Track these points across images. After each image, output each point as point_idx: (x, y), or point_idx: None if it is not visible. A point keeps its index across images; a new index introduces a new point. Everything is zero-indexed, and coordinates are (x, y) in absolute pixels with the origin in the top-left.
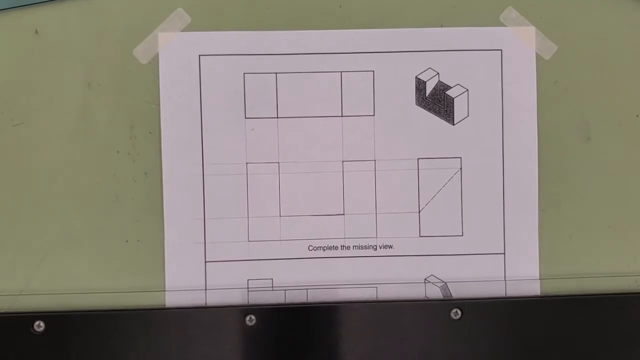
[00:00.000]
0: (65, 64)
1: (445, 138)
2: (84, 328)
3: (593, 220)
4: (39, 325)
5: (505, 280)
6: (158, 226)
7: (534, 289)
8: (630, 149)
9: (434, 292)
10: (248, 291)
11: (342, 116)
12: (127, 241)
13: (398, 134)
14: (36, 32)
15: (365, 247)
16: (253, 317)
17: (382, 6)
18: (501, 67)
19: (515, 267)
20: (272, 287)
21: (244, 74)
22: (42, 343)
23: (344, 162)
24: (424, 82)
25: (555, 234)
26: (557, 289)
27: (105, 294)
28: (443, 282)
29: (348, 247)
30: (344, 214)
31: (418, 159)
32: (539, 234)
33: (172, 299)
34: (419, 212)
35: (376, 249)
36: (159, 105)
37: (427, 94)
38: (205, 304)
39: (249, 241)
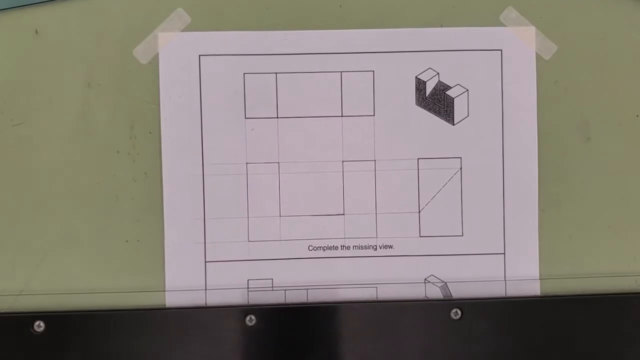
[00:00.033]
0: (65, 64)
1: (445, 138)
2: (84, 328)
3: (593, 220)
4: (39, 325)
5: (505, 280)
6: (158, 226)
7: (534, 289)
8: (630, 149)
9: (434, 292)
10: (248, 291)
11: (342, 116)
12: (127, 241)
13: (398, 134)
14: (36, 32)
15: (365, 247)
16: (253, 317)
17: (382, 6)
18: (501, 67)
19: (515, 267)
20: (272, 287)
21: (244, 74)
22: (42, 343)
23: (344, 162)
24: (424, 82)
25: (555, 234)
26: (557, 289)
27: (105, 294)
28: (443, 282)
29: (348, 247)
30: (344, 214)
31: (418, 159)
32: (539, 234)
33: (172, 299)
34: (419, 212)
35: (376, 249)
36: (159, 105)
37: (427, 94)
38: (205, 304)
39: (249, 241)
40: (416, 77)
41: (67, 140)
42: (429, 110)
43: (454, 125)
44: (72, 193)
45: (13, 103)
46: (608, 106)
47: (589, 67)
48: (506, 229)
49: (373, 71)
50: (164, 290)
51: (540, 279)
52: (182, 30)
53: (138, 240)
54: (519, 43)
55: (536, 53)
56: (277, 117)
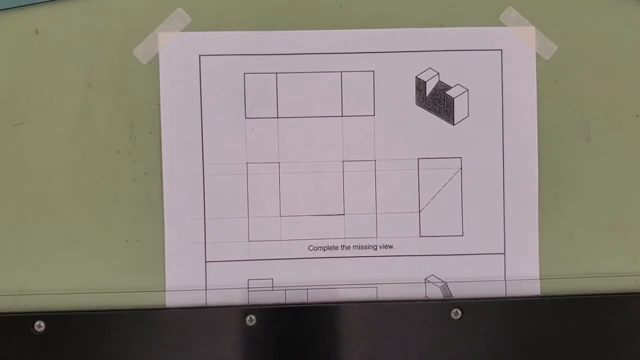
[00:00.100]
0: (65, 64)
1: (445, 138)
2: (84, 328)
3: (593, 220)
4: (39, 325)
5: (505, 280)
6: (158, 226)
7: (534, 289)
8: (630, 149)
9: (434, 292)
10: (248, 291)
11: (342, 116)
12: (127, 241)
13: (398, 134)
14: (36, 32)
15: (366, 247)
16: (253, 317)
17: (382, 6)
18: (501, 67)
19: (515, 267)
20: (273, 287)
21: (244, 74)
22: (42, 343)
23: (344, 162)
24: (424, 82)
25: (555, 234)
26: (557, 289)
27: (105, 294)
28: (443, 282)
29: (348, 247)
30: (344, 214)
31: (418, 159)
32: (539, 234)
33: (172, 299)
34: (419, 212)
35: (376, 249)
36: (159, 105)
37: (427, 94)
38: (206, 304)
39: (249, 241)
40: (416, 77)
41: (67, 140)
42: (429, 110)
43: (454, 125)
44: (72, 193)
45: (13, 103)
46: (608, 106)
47: (589, 67)
48: (506, 229)
49: (373, 71)
50: (164, 290)
51: (540, 279)
52: (182, 30)
53: (138, 240)
54: (519, 43)
55: (536, 53)
56: (277, 117)
